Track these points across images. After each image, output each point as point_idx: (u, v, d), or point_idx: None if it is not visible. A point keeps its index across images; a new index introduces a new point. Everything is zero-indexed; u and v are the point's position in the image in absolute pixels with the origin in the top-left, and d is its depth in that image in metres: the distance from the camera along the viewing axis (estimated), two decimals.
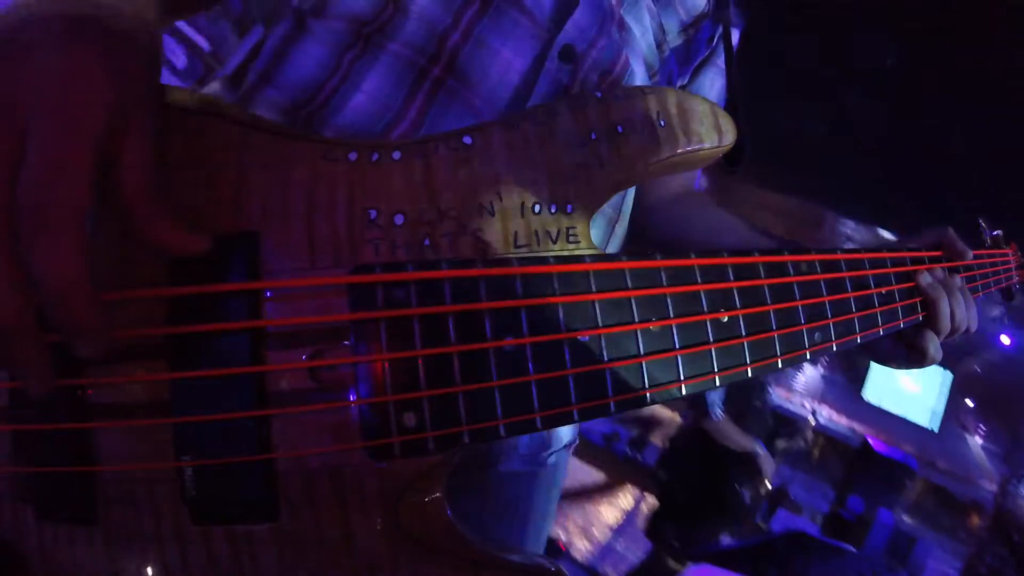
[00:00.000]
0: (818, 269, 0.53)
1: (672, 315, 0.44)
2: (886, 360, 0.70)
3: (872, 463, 6.74)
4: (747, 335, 0.47)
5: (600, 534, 5.08)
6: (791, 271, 0.51)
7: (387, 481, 0.40)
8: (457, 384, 0.40)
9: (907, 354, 0.67)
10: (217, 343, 0.39)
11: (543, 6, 0.64)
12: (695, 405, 3.10)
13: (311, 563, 0.40)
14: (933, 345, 0.65)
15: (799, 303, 0.51)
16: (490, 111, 0.61)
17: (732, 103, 0.77)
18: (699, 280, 0.46)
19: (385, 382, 0.39)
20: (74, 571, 0.40)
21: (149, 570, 0.40)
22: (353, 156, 0.44)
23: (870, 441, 7.24)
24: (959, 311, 0.66)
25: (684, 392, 0.45)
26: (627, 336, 0.43)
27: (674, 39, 0.75)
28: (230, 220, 0.41)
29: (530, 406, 0.41)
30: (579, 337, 0.42)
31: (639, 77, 0.70)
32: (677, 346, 0.44)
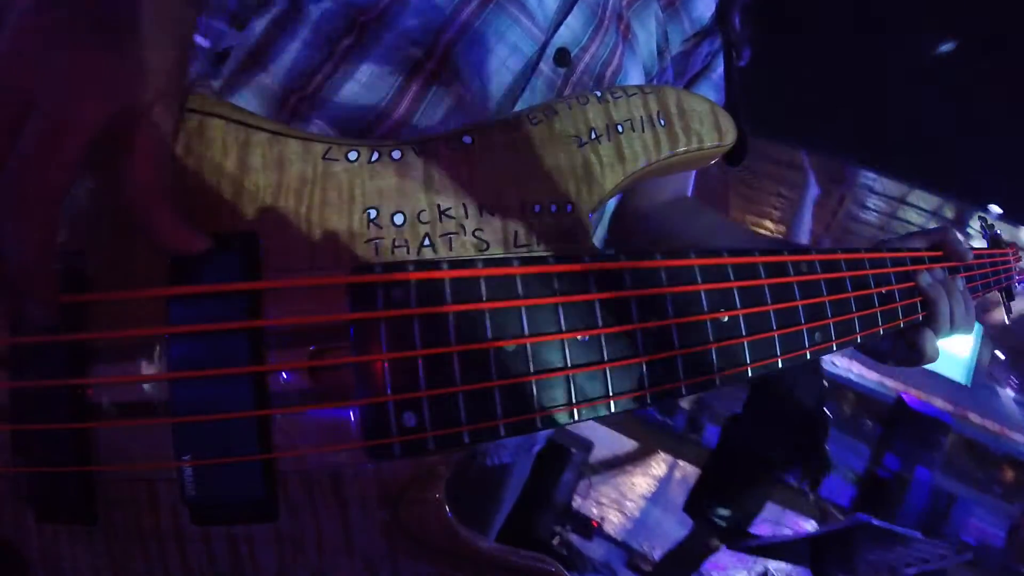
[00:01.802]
0: (818, 269, 0.53)
1: (672, 315, 0.44)
2: (884, 358, 0.70)
3: (907, 420, 6.57)
4: (747, 335, 0.47)
5: (633, 506, 5.00)
6: (791, 271, 0.51)
7: (387, 481, 0.40)
8: (457, 384, 0.40)
9: (907, 353, 0.67)
10: (217, 343, 0.39)
11: (546, 6, 0.63)
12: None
13: (311, 563, 0.40)
14: (931, 345, 0.65)
15: (799, 303, 0.51)
16: (482, 108, 0.61)
17: (731, 104, 0.77)
18: (699, 280, 0.46)
19: (385, 382, 0.39)
20: (74, 571, 0.40)
21: (149, 570, 0.40)
22: (353, 156, 0.44)
23: (905, 398, 7.09)
24: (959, 312, 0.66)
25: (684, 392, 0.45)
26: (627, 336, 0.43)
27: (676, 48, 0.76)
28: (230, 220, 0.41)
29: (530, 406, 0.41)
30: (579, 337, 0.42)
31: (634, 82, 0.71)
32: (677, 346, 0.44)
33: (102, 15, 0.37)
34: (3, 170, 0.34)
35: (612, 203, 0.76)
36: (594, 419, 0.44)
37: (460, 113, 0.60)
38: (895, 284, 0.61)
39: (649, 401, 0.44)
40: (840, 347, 0.54)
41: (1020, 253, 0.95)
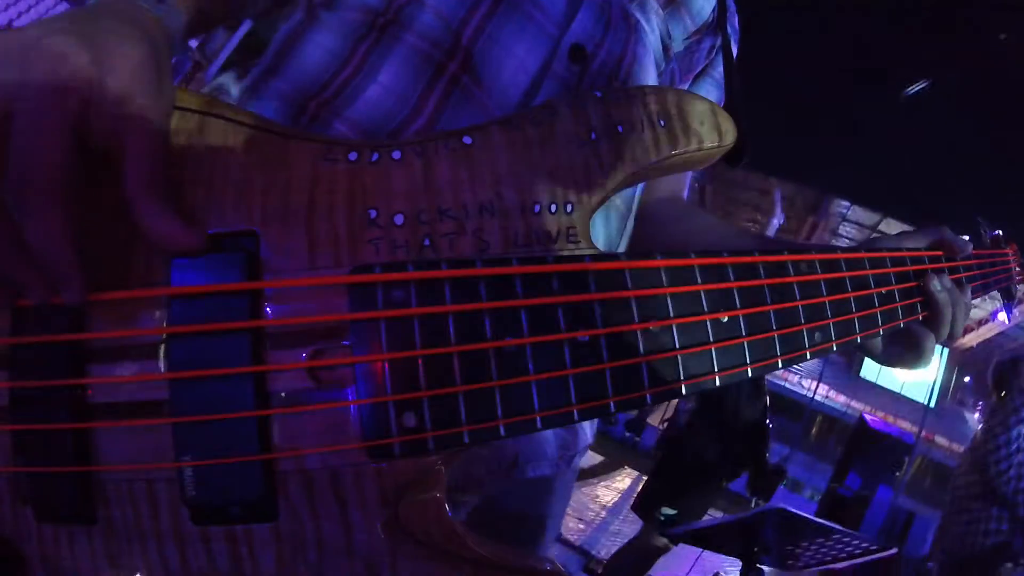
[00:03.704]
0: (818, 269, 0.53)
1: (672, 315, 0.44)
2: (878, 358, 0.69)
3: (869, 440, 6.71)
4: (747, 335, 0.47)
5: (594, 515, 5.07)
6: (791, 271, 0.51)
7: (387, 481, 0.40)
8: (457, 384, 0.40)
9: (904, 353, 0.67)
10: (217, 343, 0.39)
11: (556, 1, 0.63)
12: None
13: (310, 563, 0.40)
14: (931, 347, 0.65)
15: (799, 303, 0.51)
16: (501, 112, 0.60)
17: (731, 105, 0.77)
18: (699, 280, 0.46)
19: (385, 382, 0.39)
20: (74, 571, 0.40)
21: (149, 570, 0.40)
22: (353, 156, 0.44)
23: (866, 418, 7.19)
24: (959, 323, 0.66)
25: (684, 392, 0.45)
26: (627, 336, 0.43)
27: (678, 46, 0.75)
28: (230, 220, 0.41)
29: (530, 406, 0.41)
30: (579, 337, 0.42)
31: (649, 78, 0.70)
32: (677, 346, 0.44)
33: (62, 21, 0.39)
34: (5, 175, 0.36)
35: (635, 206, 0.75)
36: (597, 418, 0.44)
37: (482, 116, 0.59)
38: (895, 284, 0.61)
39: (650, 401, 0.44)
40: (840, 347, 0.54)
41: (1020, 254, 0.95)
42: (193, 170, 0.42)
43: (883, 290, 0.59)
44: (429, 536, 0.42)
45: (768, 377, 3.29)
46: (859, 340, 0.56)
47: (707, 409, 3.03)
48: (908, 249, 0.65)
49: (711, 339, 0.46)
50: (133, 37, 0.41)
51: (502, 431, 0.40)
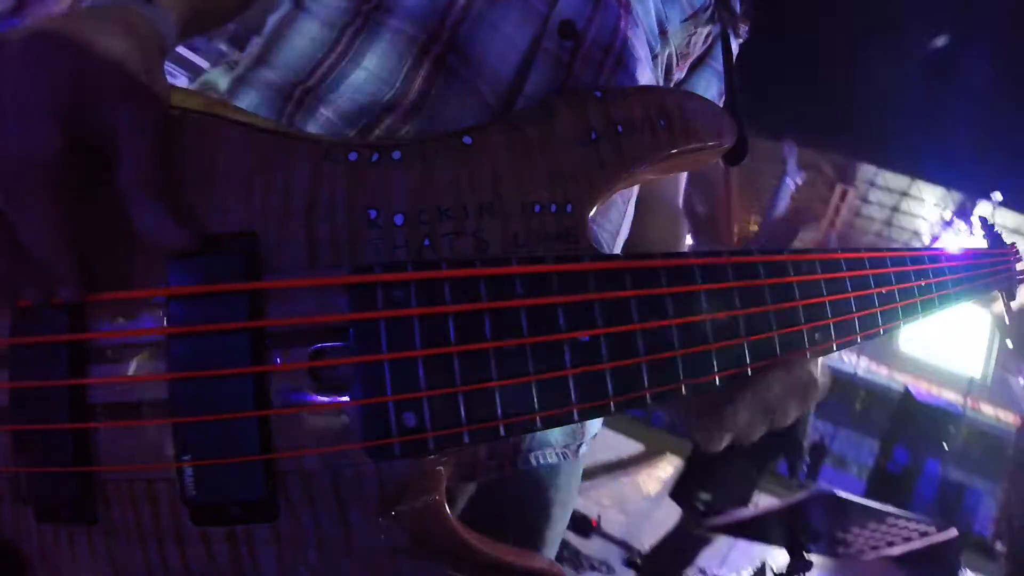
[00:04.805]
0: (818, 269, 0.53)
1: (672, 315, 0.44)
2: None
3: (915, 412, 6.57)
4: (747, 335, 0.47)
5: (636, 507, 4.95)
6: (791, 271, 0.51)
7: (387, 481, 0.40)
8: (457, 384, 0.40)
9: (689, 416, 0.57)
10: (217, 343, 0.39)
11: None
12: None
13: (311, 563, 0.40)
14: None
15: (799, 303, 0.51)
16: (492, 92, 0.60)
17: (730, 103, 0.76)
18: (699, 280, 0.46)
19: (385, 382, 0.39)
20: (74, 571, 0.40)
21: (149, 570, 0.40)
22: (353, 156, 0.44)
23: (911, 390, 7.04)
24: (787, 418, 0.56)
25: (685, 392, 0.44)
26: (627, 336, 0.43)
27: (675, 30, 0.75)
28: (230, 220, 0.41)
29: (530, 406, 0.41)
30: (579, 337, 0.42)
31: (642, 57, 0.69)
32: (677, 346, 0.44)
33: (50, 23, 0.40)
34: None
35: (630, 210, 0.74)
36: (597, 418, 0.44)
37: (472, 97, 0.59)
38: (895, 284, 0.61)
39: (649, 401, 0.44)
40: (840, 347, 0.54)
41: (1020, 253, 0.95)
42: (192, 171, 0.42)
43: (883, 290, 0.59)
44: (429, 536, 0.42)
45: None
46: (859, 340, 0.56)
47: None
48: (907, 248, 0.65)
49: (711, 339, 0.46)
50: (120, 37, 0.41)
51: (502, 431, 0.40)
